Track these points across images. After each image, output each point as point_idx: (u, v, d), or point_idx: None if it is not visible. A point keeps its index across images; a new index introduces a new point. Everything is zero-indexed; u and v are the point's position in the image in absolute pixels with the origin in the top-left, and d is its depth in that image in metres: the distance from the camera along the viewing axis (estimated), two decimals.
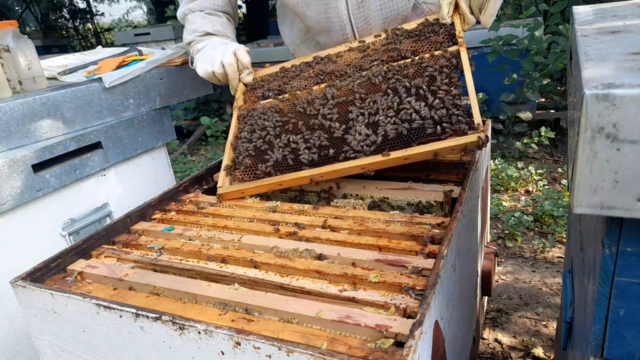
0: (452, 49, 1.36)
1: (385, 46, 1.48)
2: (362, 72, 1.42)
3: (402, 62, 1.38)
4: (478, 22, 1.44)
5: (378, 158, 1.25)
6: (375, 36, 1.55)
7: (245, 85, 1.64)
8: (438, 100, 1.25)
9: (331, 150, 1.32)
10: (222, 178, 1.45)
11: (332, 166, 1.30)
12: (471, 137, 1.19)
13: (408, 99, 1.28)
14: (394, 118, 1.27)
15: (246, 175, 1.43)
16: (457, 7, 1.42)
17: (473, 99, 1.26)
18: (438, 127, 1.23)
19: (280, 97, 1.50)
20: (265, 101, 1.54)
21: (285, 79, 1.58)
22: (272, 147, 1.41)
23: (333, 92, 1.39)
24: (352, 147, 1.29)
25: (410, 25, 1.52)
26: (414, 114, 1.25)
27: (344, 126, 1.33)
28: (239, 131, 1.52)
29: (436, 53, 1.35)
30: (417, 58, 1.36)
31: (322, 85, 1.46)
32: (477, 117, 1.24)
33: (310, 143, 1.35)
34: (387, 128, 1.26)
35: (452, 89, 1.27)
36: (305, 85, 1.50)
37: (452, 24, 1.41)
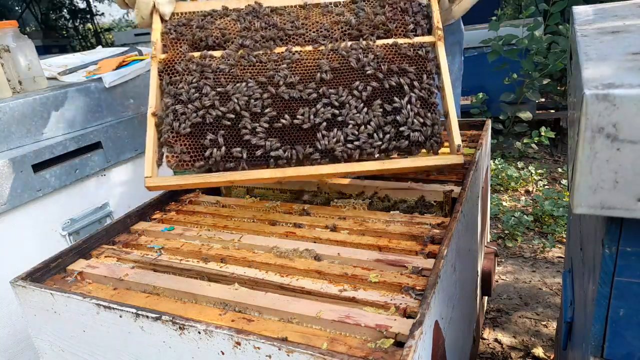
0: (427, 39, 1.24)
1: (354, 14, 1.27)
2: (329, 41, 1.22)
3: (379, 44, 1.21)
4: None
5: (352, 167, 1.14)
6: None
7: (163, 19, 1.27)
8: (422, 118, 1.16)
9: (298, 148, 1.14)
10: (149, 164, 1.13)
11: (301, 169, 1.14)
12: (457, 158, 1.16)
13: (395, 117, 1.16)
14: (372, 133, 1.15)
15: (184, 160, 1.12)
16: None
17: (451, 108, 1.19)
18: (418, 146, 1.16)
19: (232, 55, 1.19)
20: (206, 52, 1.21)
21: (225, 24, 1.26)
22: (236, 127, 1.12)
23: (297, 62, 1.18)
24: (321, 150, 1.14)
25: None
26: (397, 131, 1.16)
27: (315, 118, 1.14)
28: (170, 92, 1.16)
29: (409, 42, 1.22)
30: (391, 45, 1.20)
31: (281, 49, 1.22)
32: (456, 136, 1.18)
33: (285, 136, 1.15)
34: (363, 144, 1.14)
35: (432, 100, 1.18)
36: (261, 43, 1.22)
37: (428, 5, 1.27)
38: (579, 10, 1.16)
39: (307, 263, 1.03)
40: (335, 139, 1.13)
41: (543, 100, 4.63)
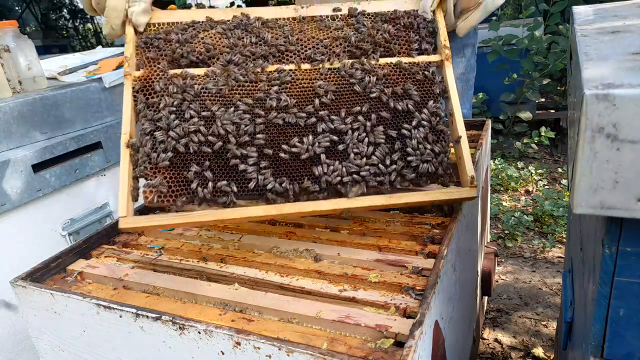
0: (433, 58, 1.13)
1: (354, 29, 1.15)
2: (327, 58, 1.10)
3: (382, 64, 1.11)
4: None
5: (356, 202, 1.01)
6: (334, 10, 1.19)
7: (137, 30, 1.11)
8: (432, 149, 1.05)
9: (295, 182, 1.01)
10: (124, 201, 0.97)
11: (299, 206, 1.00)
12: (470, 192, 1.05)
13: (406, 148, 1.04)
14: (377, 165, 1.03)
15: (164, 196, 0.97)
16: (441, 2, 1.18)
17: (463, 134, 1.07)
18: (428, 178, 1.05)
19: (218, 73, 1.05)
20: (187, 70, 1.06)
21: (210, 37, 1.12)
22: (225, 156, 0.99)
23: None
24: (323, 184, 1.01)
25: (382, 4, 1.20)
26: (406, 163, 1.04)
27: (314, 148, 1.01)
28: (147, 116, 1.01)
29: (413, 61, 1.12)
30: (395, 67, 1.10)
31: (271, 67, 1.08)
32: (469, 166, 1.06)
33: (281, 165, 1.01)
34: (367, 178, 1.02)
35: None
36: (249, 59, 1.09)
37: (433, 20, 1.17)
38: (579, 10, 1.16)
39: (307, 263, 1.03)
40: (336, 173, 1.01)
41: (543, 100, 4.64)
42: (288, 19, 1.17)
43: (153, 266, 1.09)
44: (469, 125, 1.82)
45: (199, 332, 0.79)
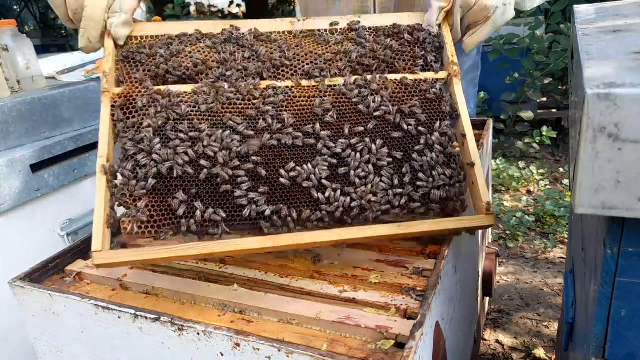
0: (441, 75, 1.08)
1: (355, 44, 1.09)
2: (327, 75, 1.04)
3: (386, 82, 1.04)
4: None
5: (362, 232, 0.93)
6: (331, 24, 1.13)
7: (117, 43, 1.03)
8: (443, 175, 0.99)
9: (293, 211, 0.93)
10: (99, 233, 0.87)
11: (298, 237, 0.91)
12: (487, 219, 0.98)
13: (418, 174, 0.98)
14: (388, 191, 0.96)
15: (145, 227, 0.89)
16: (447, 15, 1.12)
17: (475, 158, 1.00)
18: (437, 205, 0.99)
19: (207, 90, 0.98)
20: (171, 88, 0.99)
21: (198, 51, 1.04)
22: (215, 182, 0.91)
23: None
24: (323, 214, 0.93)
25: (383, 19, 1.14)
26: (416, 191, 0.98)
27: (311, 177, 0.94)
28: (128, 136, 0.93)
29: (420, 78, 1.07)
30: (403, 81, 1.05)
31: (265, 84, 1.01)
32: (484, 192, 0.99)
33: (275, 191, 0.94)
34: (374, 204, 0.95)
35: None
36: (242, 75, 1.02)
37: (439, 34, 1.12)
38: (580, 9, 1.16)
39: (306, 264, 1.03)
40: (338, 204, 0.94)
41: (544, 99, 4.63)
42: (284, 32, 1.11)
43: (152, 267, 1.09)
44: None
45: (198, 333, 0.79)
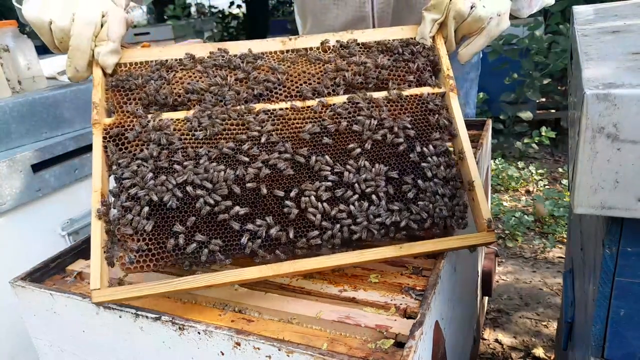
0: (436, 90, 1.06)
1: (347, 61, 1.07)
2: (321, 98, 1.01)
3: (382, 98, 1.02)
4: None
5: (363, 256, 0.92)
6: (322, 43, 1.10)
7: (105, 72, 1.00)
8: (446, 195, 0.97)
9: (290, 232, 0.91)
10: (96, 268, 0.87)
11: (299, 264, 0.90)
12: (488, 237, 0.97)
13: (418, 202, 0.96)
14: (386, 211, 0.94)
15: (149, 259, 0.87)
16: (441, 27, 1.10)
17: (475, 176, 0.99)
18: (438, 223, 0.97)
19: (199, 118, 0.96)
20: (163, 117, 0.96)
21: (189, 77, 1.02)
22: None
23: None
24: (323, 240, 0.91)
25: (375, 34, 1.13)
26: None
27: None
28: (123, 167, 0.92)
29: (415, 93, 1.04)
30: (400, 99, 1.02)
31: (258, 106, 0.99)
32: (485, 209, 0.98)
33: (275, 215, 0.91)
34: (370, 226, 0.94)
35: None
36: (235, 99, 1.00)
37: (432, 47, 1.10)
38: (579, 10, 1.16)
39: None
40: (335, 233, 0.92)
41: (544, 100, 4.63)
42: (275, 52, 1.08)
43: None
44: (469, 125, 1.82)
45: (199, 333, 0.79)
